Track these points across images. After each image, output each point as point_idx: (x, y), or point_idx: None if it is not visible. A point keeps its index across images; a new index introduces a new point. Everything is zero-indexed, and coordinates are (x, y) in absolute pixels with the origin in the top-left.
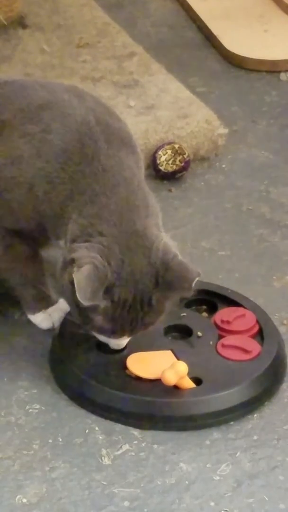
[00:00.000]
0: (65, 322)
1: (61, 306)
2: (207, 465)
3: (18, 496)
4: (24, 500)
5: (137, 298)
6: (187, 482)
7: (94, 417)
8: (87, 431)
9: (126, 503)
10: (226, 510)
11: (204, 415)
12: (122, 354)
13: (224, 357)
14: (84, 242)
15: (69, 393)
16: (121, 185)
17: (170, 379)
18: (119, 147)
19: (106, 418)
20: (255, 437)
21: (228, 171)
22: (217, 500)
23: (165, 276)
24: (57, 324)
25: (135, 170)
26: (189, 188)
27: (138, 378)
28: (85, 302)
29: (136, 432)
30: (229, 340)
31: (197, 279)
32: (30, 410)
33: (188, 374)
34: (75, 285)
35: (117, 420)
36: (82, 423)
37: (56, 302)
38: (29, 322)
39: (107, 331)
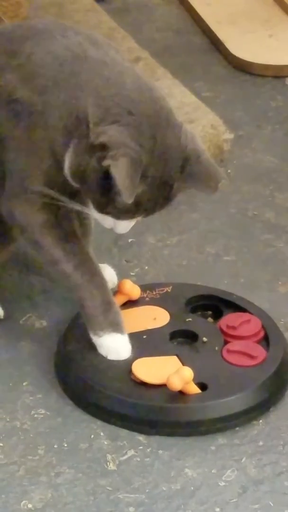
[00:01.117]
0: (70, 326)
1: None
2: (212, 471)
3: (23, 502)
4: (29, 506)
5: (164, 179)
6: (192, 488)
7: (99, 422)
8: (92, 436)
9: (131, 509)
10: None
11: (209, 421)
12: (127, 359)
13: (229, 362)
14: (112, 123)
15: (74, 398)
16: (127, 71)
17: (175, 384)
18: (108, 48)
19: (111, 423)
20: (260, 443)
21: (234, 176)
22: (222, 506)
23: (194, 167)
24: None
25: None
26: (194, 193)
27: (143, 384)
28: (130, 200)
29: (141, 437)
30: (234, 345)
31: (223, 181)
32: (35, 415)
33: (193, 379)
34: (119, 186)
35: (122, 426)
36: (87, 429)
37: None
38: (34, 326)
39: (128, 213)
